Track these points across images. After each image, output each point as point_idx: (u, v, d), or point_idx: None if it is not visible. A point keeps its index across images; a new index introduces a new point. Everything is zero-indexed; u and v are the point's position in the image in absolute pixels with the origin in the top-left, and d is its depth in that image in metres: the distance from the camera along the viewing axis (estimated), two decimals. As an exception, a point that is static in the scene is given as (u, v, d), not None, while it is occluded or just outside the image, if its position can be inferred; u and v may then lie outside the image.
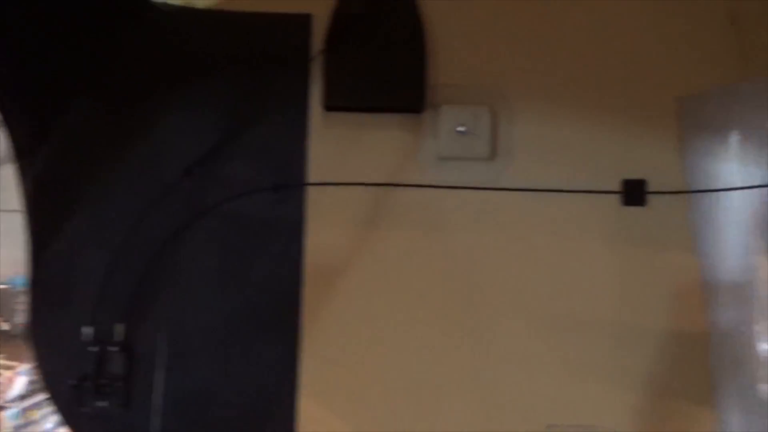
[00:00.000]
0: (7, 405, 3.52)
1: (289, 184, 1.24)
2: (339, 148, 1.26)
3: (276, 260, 1.22)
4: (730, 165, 1.17)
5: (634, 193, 1.22)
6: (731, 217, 1.16)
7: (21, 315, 3.81)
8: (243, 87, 1.26)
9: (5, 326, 3.98)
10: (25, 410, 3.51)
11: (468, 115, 1.24)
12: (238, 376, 1.18)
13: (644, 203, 1.22)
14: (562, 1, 1.28)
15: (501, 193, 1.23)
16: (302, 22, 1.27)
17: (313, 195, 1.24)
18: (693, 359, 1.19)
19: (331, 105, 1.24)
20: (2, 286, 3.98)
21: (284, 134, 1.27)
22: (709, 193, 1.18)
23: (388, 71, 1.24)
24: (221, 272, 1.21)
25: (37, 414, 3.50)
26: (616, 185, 1.22)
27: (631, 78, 1.24)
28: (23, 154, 1.20)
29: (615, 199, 1.23)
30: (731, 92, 1.18)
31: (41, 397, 3.23)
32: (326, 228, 1.23)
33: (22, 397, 3.55)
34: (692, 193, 1.20)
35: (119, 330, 1.17)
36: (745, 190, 1.14)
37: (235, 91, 1.27)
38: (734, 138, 1.17)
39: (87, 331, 1.17)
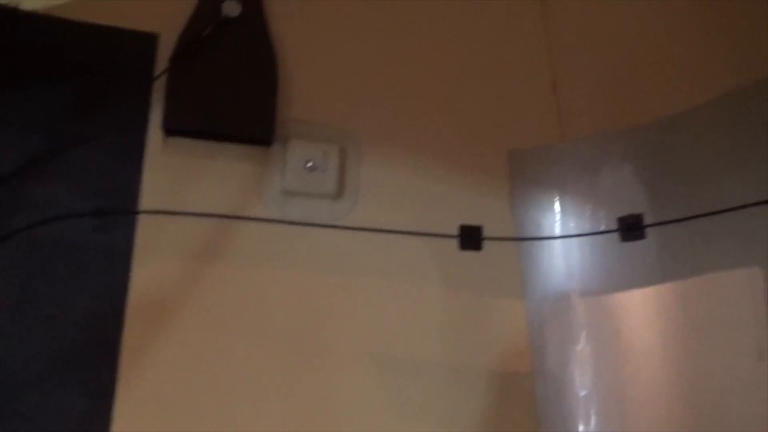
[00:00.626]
0: None
1: (113, 210, 1.12)
2: (178, 176, 1.17)
3: (94, 294, 1.08)
4: (552, 216, 1.29)
5: (470, 238, 1.28)
6: (553, 264, 1.27)
7: None
8: (73, 103, 1.14)
9: None
10: None
11: (317, 152, 1.23)
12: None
13: (480, 248, 1.28)
14: (418, 48, 1.35)
15: (345, 233, 1.23)
16: (148, 40, 1.20)
17: (144, 224, 1.13)
18: (520, 399, 1.24)
19: (171, 128, 1.16)
20: None
21: (117, 157, 1.15)
22: (535, 240, 1.28)
23: (236, 99, 1.19)
24: (22, 306, 1.04)
25: None
26: (454, 230, 1.28)
27: (470, 129, 1.34)
28: None
29: (453, 244, 1.28)
30: (551, 151, 1.31)
31: None
32: (157, 260, 1.12)
33: None
34: (521, 240, 1.29)
35: None
36: (565, 239, 1.26)
37: (61, 107, 1.14)
38: (554, 192, 1.30)
39: None
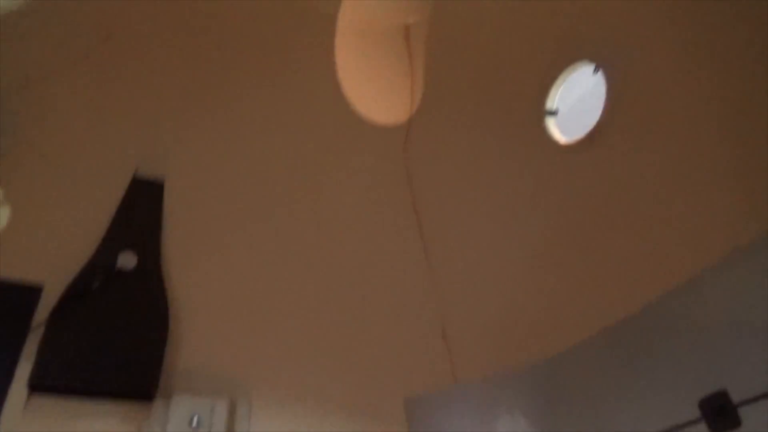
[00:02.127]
0: None
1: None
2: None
3: None
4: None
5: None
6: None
7: None
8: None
9: None
10: None
11: (204, 407, 1.14)
12: None
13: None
14: (311, 288, 1.37)
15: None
16: (30, 292, 1.15)
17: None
18: None
19: (37, 384, 1.06)
20: None
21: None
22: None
23: (119, 352, 1.12)
24: None
25: None
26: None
27: (364, 376, 1.31)
28: None
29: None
30: (446, 396, 1.29)
31: None
32: None
33: None
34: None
35: None
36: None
37: None
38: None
39: None
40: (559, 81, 1.24)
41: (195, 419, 1.13)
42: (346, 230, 1.43)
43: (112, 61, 1.27)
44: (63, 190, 1.26)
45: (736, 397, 0.89)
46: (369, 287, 1.42)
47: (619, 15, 1.08)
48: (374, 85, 1.59)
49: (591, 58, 1.17)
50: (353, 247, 1.42)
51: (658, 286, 1.03)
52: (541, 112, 1.26)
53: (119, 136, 1.34)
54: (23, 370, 1.06)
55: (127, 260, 1.22)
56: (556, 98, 1.28)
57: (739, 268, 0.90)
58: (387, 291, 1.42)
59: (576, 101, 1.40)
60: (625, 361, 1.06)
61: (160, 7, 1.29)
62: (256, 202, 1.39)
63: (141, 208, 1.30)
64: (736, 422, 0.88)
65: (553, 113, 1.29)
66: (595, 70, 1.19)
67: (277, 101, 1.42)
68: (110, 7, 1.27)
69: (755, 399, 0.89)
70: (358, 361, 1.31)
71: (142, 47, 1.30)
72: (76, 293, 1.14)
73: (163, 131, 1.36)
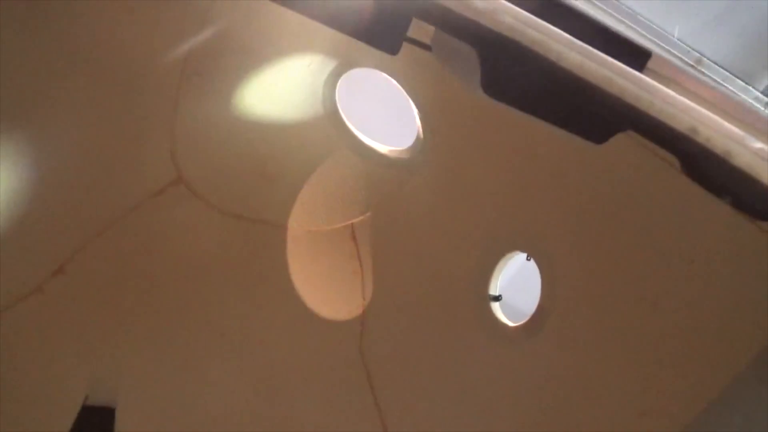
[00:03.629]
0: None
1: None
2: None
3: None
4: None
5: None
6: None
7: None
8: None
9: None
10: None
11: None
12: None
13: None
14: None
15: None
16: None
17: None
18: None
19: None
20: None
21: None
22: None
23: None
24: None
25: None
26: None
27: None
28: None
29: None
30: None
31: None
32: None
33: None
34: None
35: None
36: None
37: None
38: None
39: None
40: (496, 270, 1.33)
41: None
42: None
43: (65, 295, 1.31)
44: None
45: None
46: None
47: (543, 211, 1.21)
48: (327, 286, 1.66)
49: (522, 249, 1.28)
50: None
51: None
52: (485, 299, 1.33)
53: (72, 365, 1.33)
54: None
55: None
56: (497, 285, 1.36)
57: None
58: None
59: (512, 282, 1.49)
60: None
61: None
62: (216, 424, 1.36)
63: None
64: None
65: (497, 298, 1.36)
66: (528, 258, 1.29)
67: (242, 332, 1.46)
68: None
69: None
70: None
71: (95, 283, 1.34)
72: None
73: (118, 362, 1.36)
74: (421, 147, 1.39)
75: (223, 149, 1.44)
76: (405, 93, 1.32)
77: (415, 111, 1.35)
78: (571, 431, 1.15)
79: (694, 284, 0.93)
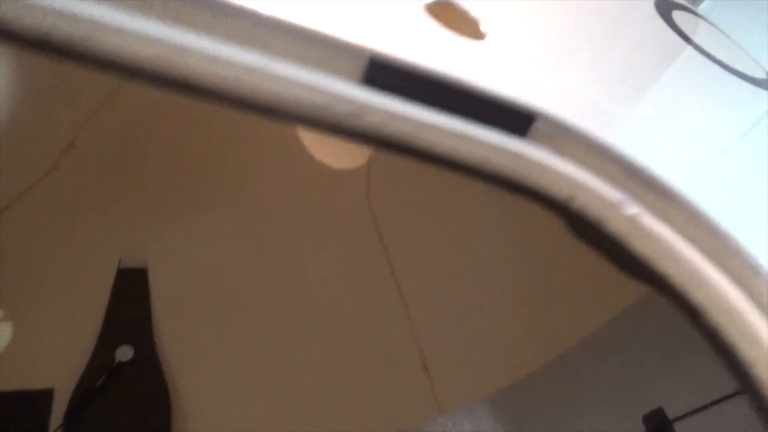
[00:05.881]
0: None
1: None
2: None
3: None
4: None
5: None
6: None
7: None
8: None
9: None
10: None
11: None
12: None
13: None
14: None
15: None
16: (42, 398, 1.27)
17: None
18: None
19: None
20: None
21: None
22: None
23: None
24: None
25: None
26: None
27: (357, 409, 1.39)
28: None
29: None
30: (430, 428, 1.39)
31: None
32: None
33: None
34: None
35: None
36: None
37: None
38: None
39: None
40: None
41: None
42: (325, 286, 1.52)
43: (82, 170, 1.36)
44: (54, 295, 1.34)
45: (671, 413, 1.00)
46: (353, 343, 1.50)
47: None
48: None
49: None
50: (333, 303, 1.51)
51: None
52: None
53: (101, 235, 1.43)
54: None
55: (125, 353, 1.34)
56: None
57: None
58: (367, 339, 1.52)
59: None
60: (585, 381, 1.16)
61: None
62: (237, 281, 1.48)
63: (129, 298, 1.40)
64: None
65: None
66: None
67: (250, 187, 1.49)
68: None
69: (685, 415, 1.00)
70: (349, 394, 1.39)
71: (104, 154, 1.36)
72: (84, 393, 1.26)
73: (143, 225, 1.45)
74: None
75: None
76: None
77: None
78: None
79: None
